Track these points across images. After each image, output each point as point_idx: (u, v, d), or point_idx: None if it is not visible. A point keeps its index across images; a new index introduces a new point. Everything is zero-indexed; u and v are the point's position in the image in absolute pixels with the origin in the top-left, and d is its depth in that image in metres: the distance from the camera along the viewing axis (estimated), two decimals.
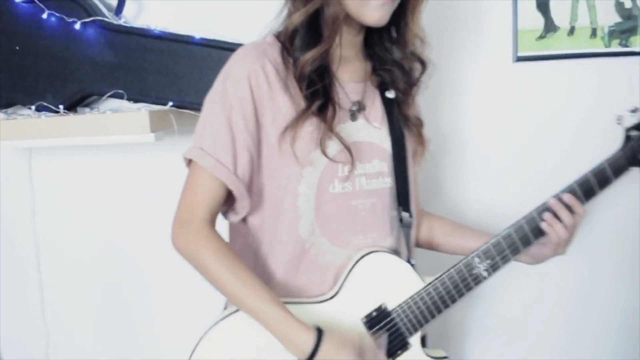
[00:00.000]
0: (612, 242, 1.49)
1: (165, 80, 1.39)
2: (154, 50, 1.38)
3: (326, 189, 0.93)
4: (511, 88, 1.46)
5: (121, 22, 1.41)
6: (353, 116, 0.96)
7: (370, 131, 0.98)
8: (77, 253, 1.66)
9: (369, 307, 0.94)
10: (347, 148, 0.91)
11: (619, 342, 1.52)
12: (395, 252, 0.98)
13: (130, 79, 1.40)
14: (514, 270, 1.42)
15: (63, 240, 1.67)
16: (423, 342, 1.04)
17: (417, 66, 1.00)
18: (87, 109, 1.44)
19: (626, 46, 1.42)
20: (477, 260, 0.94)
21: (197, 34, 1.34)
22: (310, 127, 0.90)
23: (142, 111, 1.34)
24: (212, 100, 0.92)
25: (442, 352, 1.00)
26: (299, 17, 0.89)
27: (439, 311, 0.94)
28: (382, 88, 1.00)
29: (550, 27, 1.42)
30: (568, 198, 0.95)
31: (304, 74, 0.89)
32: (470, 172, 1.49)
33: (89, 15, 1.38)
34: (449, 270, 0.94)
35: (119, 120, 1.35)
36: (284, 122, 0.90)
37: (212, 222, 0.90)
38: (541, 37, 1.43)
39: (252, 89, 0.89)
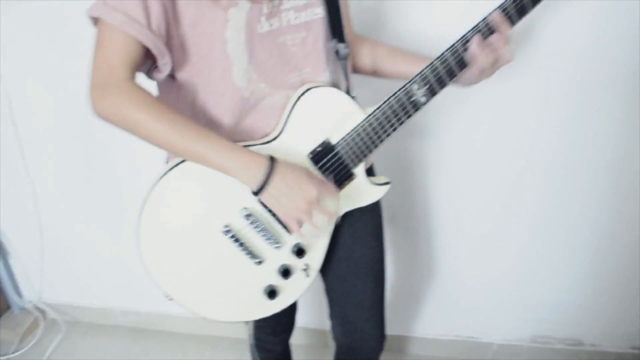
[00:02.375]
0: None
1: None
2: None
3: (254, 29, 0.86)
4: None
5: None
6: None
7: None
8: (50, 101, 1.63)
9: (314, 143, 0.92)
10: None
11: None
12: (334, 85, 0.95)
13: None
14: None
15: (33, 92, 1.62)
16: (370, 171, 1.07)
17: None
18: None
19: None
20: (415, 86, 0.94)
21: None
22: None
23: None
24: None
25: (384, 179, 1.02)
26: None
27: (381, 140, 0.95)
28: None
29: None
30: (496, 16, 0.90)
31: None
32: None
33: None
34: (388, 99, 0.94)
35: None
36: None
37: (133, 79, 0.83)
38: None
39: None
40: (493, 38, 0.92)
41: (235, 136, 0.91)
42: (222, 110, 0.90)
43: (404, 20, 1.37)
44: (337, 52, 0.96)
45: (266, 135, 0.92)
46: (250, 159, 0.82)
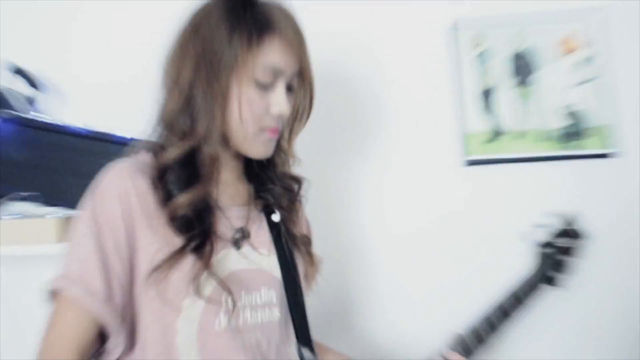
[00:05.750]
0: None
1: (83, 183, 1.24)
2: (70, 148, 1.26)
3: (210, 325, 0.81)
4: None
5: (34, 116, 1.27)
6: (236, 244, 0.86)
7: (258, 258, 0.88)
8: None
9: None
10: (222, 285, 0.80)
11: None
12: None
13: (43, 180, 1.26)
14: None
15: None
16: None
17: (294, 184, 0.97)
18: None
19: (576, 149, 1.40)
20: None
21: (118, 132, 1.24)
22: (187, 265, 0.79)
23: (47, 218, 1.19)
24: (81, 219, 0.80)
25: None
26: (173, 153, 0.82)
27: None
28: (267, 211, 0.93)
29: (499, 130, 1.39)
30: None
31: (175, 216, 0.80)
32: (384, 298, 1.36)
33: None
34: None
35: (21, 229, 1.18)
36: (155, 255, 0.78)
37: None
38: (489, 140, 1.39)
39: (123, 210, 0.79)
40: None
41: None
42: None
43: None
44: (301, 357, 0.90)
45: None
46: None
